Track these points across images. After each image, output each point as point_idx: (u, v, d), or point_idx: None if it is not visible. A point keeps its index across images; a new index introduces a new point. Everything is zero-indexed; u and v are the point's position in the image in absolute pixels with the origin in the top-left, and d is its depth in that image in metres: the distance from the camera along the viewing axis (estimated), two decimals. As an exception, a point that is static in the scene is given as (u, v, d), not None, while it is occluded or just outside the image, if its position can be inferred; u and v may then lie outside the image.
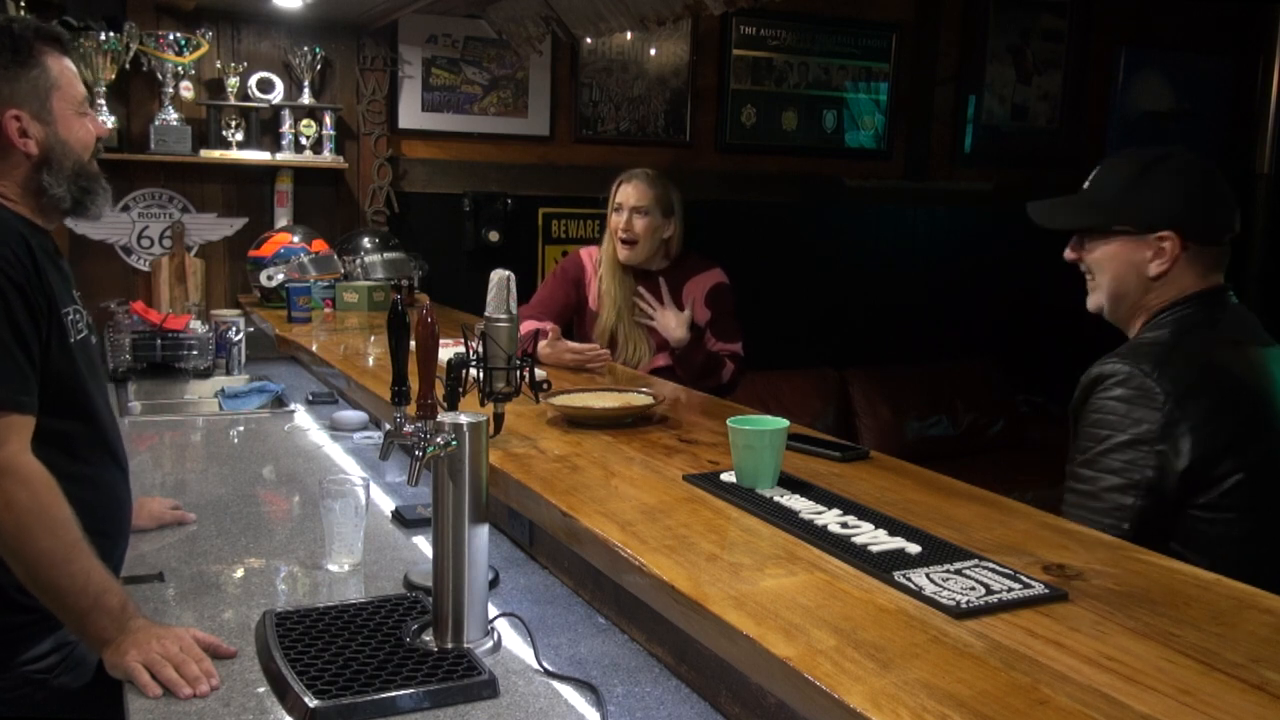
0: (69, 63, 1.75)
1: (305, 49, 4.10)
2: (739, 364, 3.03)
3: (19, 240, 1.60)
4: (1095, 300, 1.85)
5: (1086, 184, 1.85)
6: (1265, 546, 1.67)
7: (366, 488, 1.87)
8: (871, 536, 1.41)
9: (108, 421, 1.77)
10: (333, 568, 1.84)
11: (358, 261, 3.94)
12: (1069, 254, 1.86)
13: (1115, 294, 1.80)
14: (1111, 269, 1.79)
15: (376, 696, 1.35)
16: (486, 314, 1.82)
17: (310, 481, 2.35)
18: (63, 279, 1.71)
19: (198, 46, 3.90)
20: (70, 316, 1.67)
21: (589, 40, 4.42)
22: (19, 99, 1.67)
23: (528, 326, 2.82)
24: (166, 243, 4.04)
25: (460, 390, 1.73)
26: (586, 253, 3.17)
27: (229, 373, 3.52)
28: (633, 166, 3.17)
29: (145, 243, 4.04)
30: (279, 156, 4.09)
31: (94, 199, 1.77)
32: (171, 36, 3.84)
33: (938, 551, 1.37)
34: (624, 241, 2.98)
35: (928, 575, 1.28)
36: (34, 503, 1.48)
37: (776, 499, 1.58)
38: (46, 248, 1.69)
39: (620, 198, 3.01)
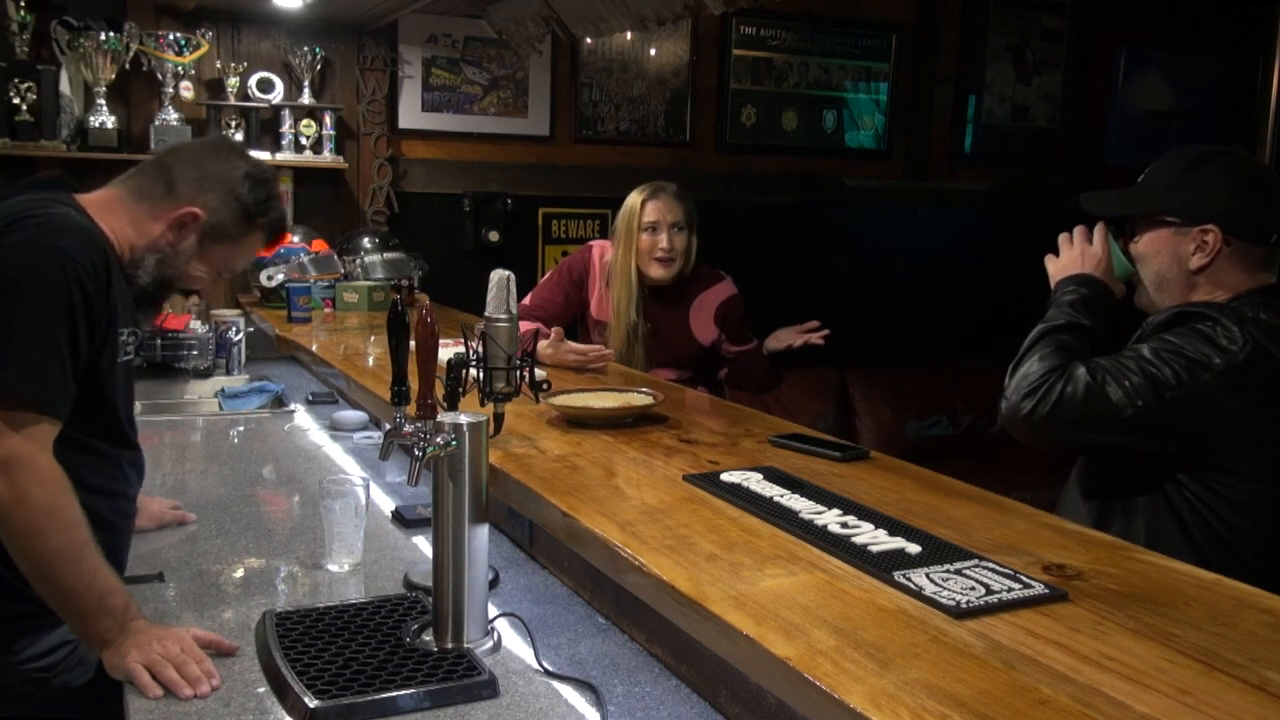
0: (261, 244, 1.89)
1: (305, 49, 4.10)
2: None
3: (101, 255, 1.63)
4: (1142, 295, 1.89)
5: (1141, 177, 1.90)
6: None
7: (366, 488, 1.87)
8: (871, 536, 1.41)
9: (131, 440, 1.80)
10: (333, 568, 1.84)
11: (358, 261, 3.94)
12: (1122, 244, 1.91)
13: (1157, 284, 1.84)
14: (1155, 259, 1.83)
15: (376, 696, 1.35)
16: (486, 314, 1.81)
17: (310, 481, 2.35)
18: (127, 301, 1.74)
19: (198, 46, 3.90)
20: (123, 337, 1.71)
21: (589, 40, 4.42)
22: (212, 217, 1.77)
23: (523, 327, 2.79)
24: (166, 243, 4.03)
25: (460, 390, 1.73)
26: (599, 249, 3.06)
27: (229, 373, 3.52)
28: (632, 166, 3.15)
29: (145, 243, 4.03)
30: (279, 156, 4.09)
31: (149, 301, 1.83)
32: (171, 36, 3.84)
33: (938, 551, 1.37)
34: (662, 260, 2.88)
35: (928, 575, 1.28)
36: (48, 500, 1.49)
37: (776, 499, 1.58)
38: (119, 271, 1.73)
39: (653, 216, 2.89)
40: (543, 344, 2.64)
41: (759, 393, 3.19)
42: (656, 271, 2.91)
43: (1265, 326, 1.67)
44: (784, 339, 2.95)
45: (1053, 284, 1.90)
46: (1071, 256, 1.90)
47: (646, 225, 2.91)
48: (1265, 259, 1.79)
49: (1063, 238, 1.94)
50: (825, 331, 2.90)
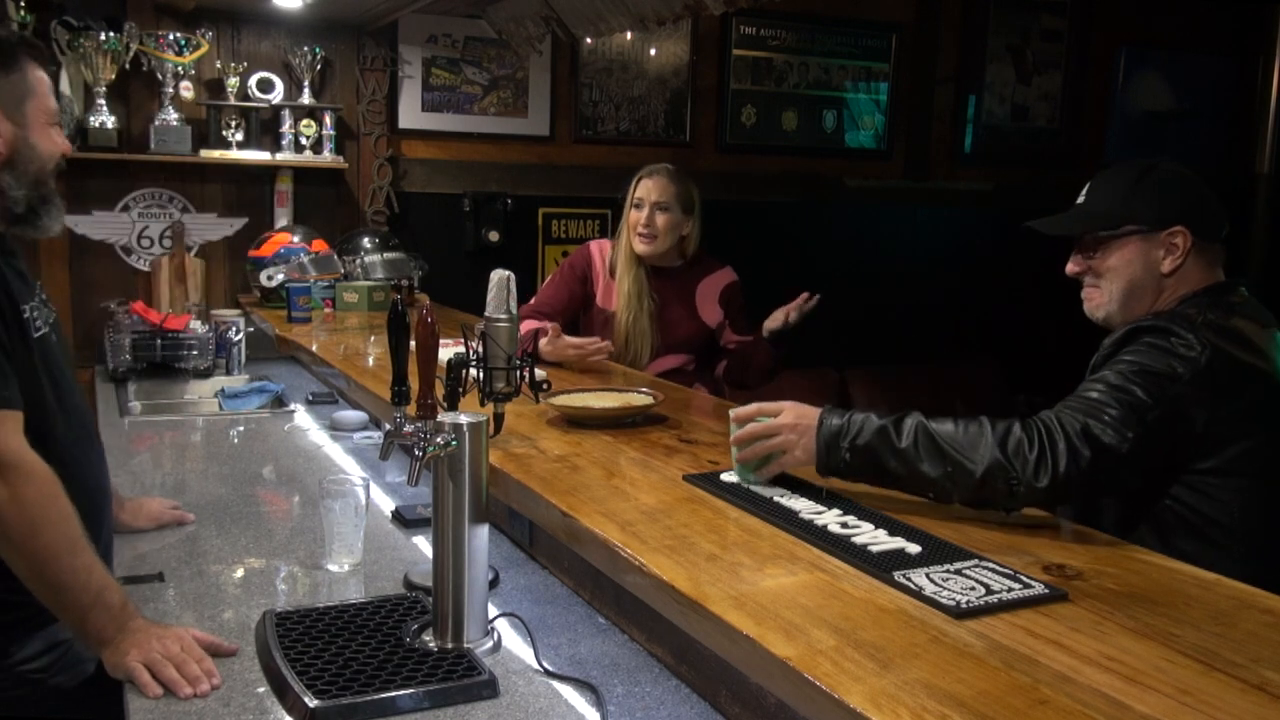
0: (45, 76, 1.77)
1: (305, 49, 4.10)
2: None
3: None
4: (1102, 308, 1.86)
5: (1081, 198, 1.89)
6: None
7: (366, 488, 1.87)
8: (871, 536, 1.42)
9: (80, 418, 1.76)
10: (333, 568, 1.84)
11: (358, 261, 3.94)
12: (1071, 267, 1.88)
13: (1129, 295, 1.82)
14: (1126, 271, 1.82)
15: (376, 696, 1.35)
16: (486, 314, 1.82)
17: (310, 481, 2.35)
18: (19, 275, 1.70)
19: (198, 46, 3.90)
20: (28, 314, 1.66)
21: (589, 40, 4.42)
22: None
23: (528, 325, 2.84)
24: (166, 243, 4.04)
25: (460, 390, 1.74)
26: (597, 246, 3.15)
27: (229, 373, 3.52)
28: (632, 166, 3.16)
29: (145, 243, 4.04)
30: (279, 156, 4.09)
31: (48, 211, 1.76)
32: (171, 36, 3.84)
33: (938, 551, 1.37)
34: (642, 236, 2.97)
35: (928, 575, 1.28)
36: (40, 497, 1.48)
37: (776, 499, 1.58)
38: None
39: (641, 193, 3.00)
40: (542, 341, 2.70)
41: (758, 384, 3.18)
42: (639, 247, 2.99)
43: (1215, 326, 1.68)
44: (779, 317, 2.97)
45: (821, 456, 1.59)
46: (794, 430, 1.62)
47: (635, 201, 3.01)
48: (1219, 256, 1.82)
49: (755, 449, 1.64)
50: (816, 297, 2.91)
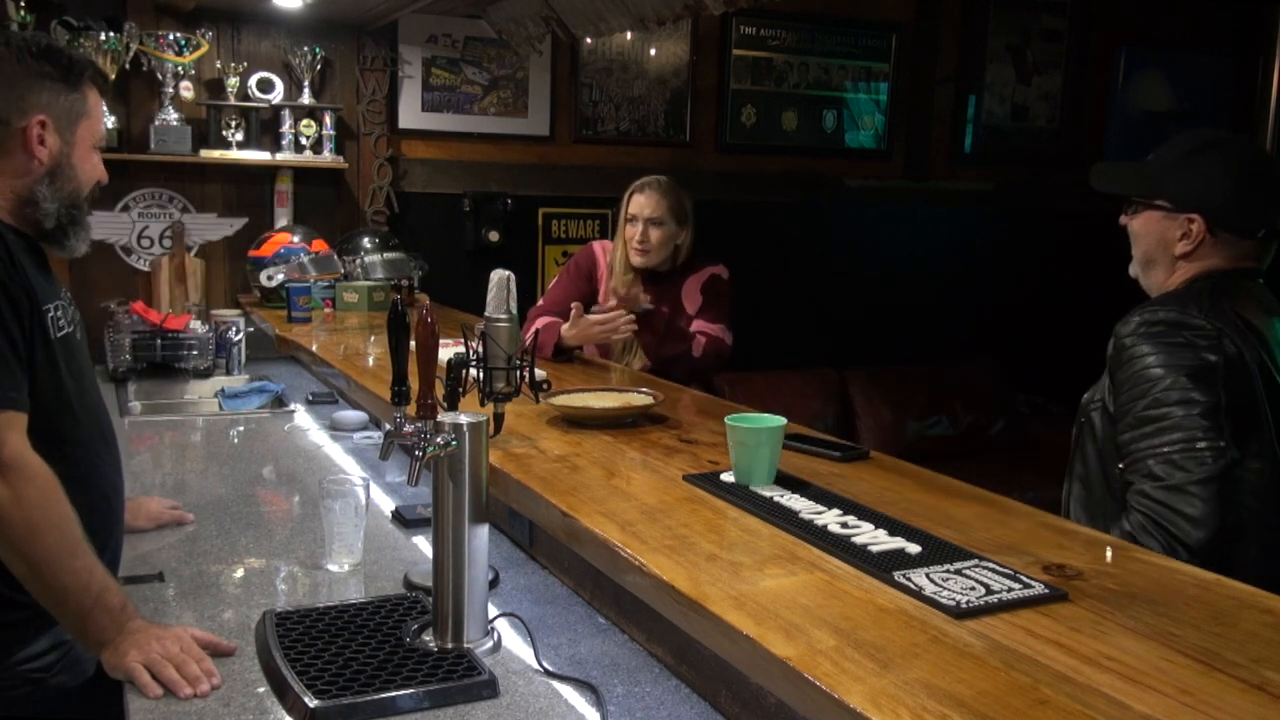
0: (103, 105, 1.81)
1: (305, 49, 4.10)
2: (715, 345, 2.99)
3: None
4: (1132, 266, 1.90)
5: (1151, 155, 1.90)
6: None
7: (366, 488, 1.87)
8: (871, 536, 1.41)
9: (96, 420, 1.76)
10: (333, 568, 1.84)
11: (358, 261, 3.94)
12: (1122, 219, 1.91)
13: (1144, 261, 1.87)
14: (1145, 239, 1.85)
15: (376, 696, 1.35)
16: (486, 314, 1.81)
17: (310, 481, 2.35)
18: (45, 274, 1.71)
19: (198, 46, 3.90)
20: (52, 314, 1.66)
21: (589, 40, 4.42)
22: (52, 110, 1.70)
23: (544, 321, 2.89)
24: (166, 243, 4.04)
25: (460, 390, 1.73)
26: (600, 246, 3.20)
27: (229, 373, 3.52)
28: (632, 166, 3.18)
29: (145, 243, 4.04)
30: (279, 156, 4.09)
31: (76, 231, 1.78)
32: (171, 36, 3.84)
33: (938, 551, 1.37)
34: (638, 250, 3.02)
35: (928, 575, 1.28)
36: (41, 499, 1.47)
37: (776, 499, 1.58)
38: (23, 246, 1.68)
39: (634, 209, 3.03)
40: (564, 327, 2.79)
41: (695, 372, 3.13)
42: (635, 259, 3.05)
43: (1216, 309, 1.68)
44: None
45: None
46: None
47: (629, 217, 3.06)
48: (1252, 251, 1.80)
49: None
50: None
